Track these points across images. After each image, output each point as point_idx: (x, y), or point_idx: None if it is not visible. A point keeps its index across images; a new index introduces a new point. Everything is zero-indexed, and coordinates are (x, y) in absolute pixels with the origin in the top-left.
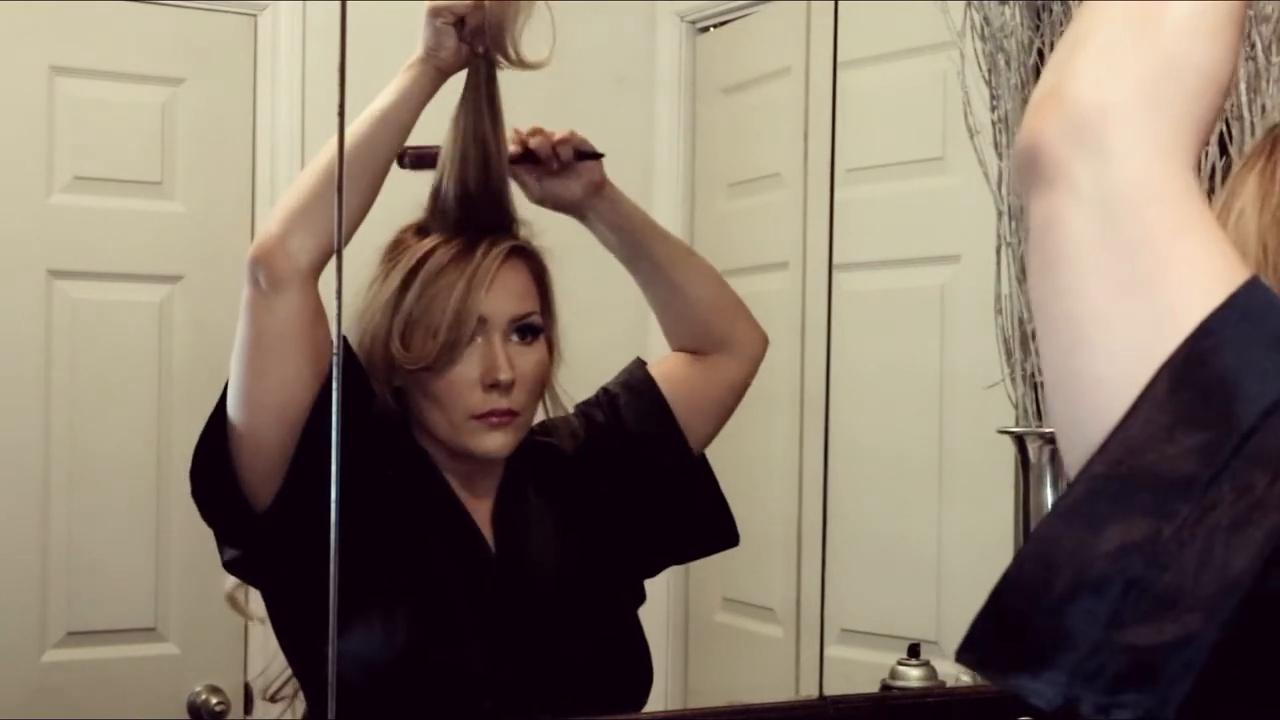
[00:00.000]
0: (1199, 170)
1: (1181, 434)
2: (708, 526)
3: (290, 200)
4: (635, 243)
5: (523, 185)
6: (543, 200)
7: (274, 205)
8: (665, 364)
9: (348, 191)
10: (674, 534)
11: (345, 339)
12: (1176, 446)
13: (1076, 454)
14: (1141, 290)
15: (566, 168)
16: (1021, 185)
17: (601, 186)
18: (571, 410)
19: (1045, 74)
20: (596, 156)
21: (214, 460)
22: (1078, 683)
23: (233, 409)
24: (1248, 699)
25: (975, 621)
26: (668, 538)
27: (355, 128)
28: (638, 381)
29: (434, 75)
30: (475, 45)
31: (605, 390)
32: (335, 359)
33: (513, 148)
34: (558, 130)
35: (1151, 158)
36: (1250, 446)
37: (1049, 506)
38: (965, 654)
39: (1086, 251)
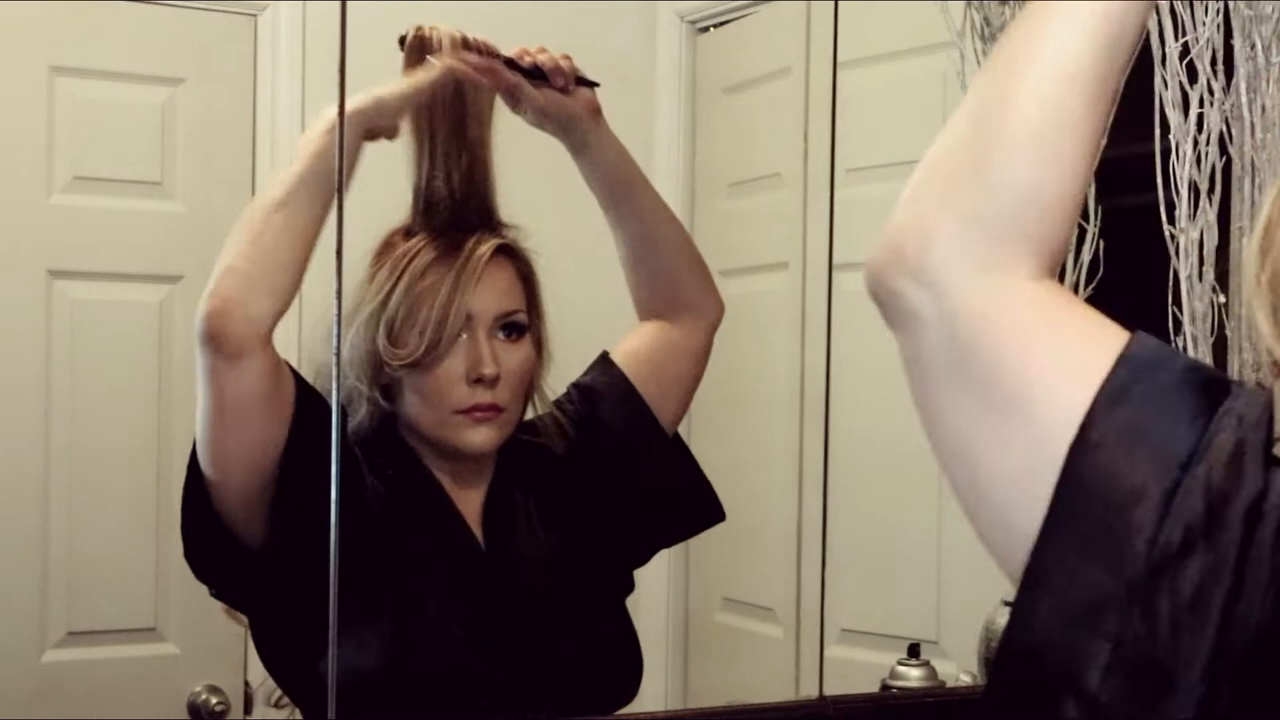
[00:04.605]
0: (1056, 275)
1: (1088, 560)
2: (690, 505)
3: (241, 264)
4: (621, 182)
5: (526, 98)
6: (545, 111)
7: (216, 270)
8: (629, 344)
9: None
10: (659, 517)
11: (338, 351)
12: (1088, 573)
13: (1005, 567)
14: (1003, 409)
15: (567, 90)
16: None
17: (599, 112)
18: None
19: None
20: (592, 85)
21: (202, 516)
22: None
23: (205, 466)
24: None
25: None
26: (653, 522)
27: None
28: (605, 373)
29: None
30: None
31: (575, 386)
32: (334, 359)
33: (518, 59)
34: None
35: (973, 276)
36: (1143, 584)
37: None
38: None
39: (944, 378)
